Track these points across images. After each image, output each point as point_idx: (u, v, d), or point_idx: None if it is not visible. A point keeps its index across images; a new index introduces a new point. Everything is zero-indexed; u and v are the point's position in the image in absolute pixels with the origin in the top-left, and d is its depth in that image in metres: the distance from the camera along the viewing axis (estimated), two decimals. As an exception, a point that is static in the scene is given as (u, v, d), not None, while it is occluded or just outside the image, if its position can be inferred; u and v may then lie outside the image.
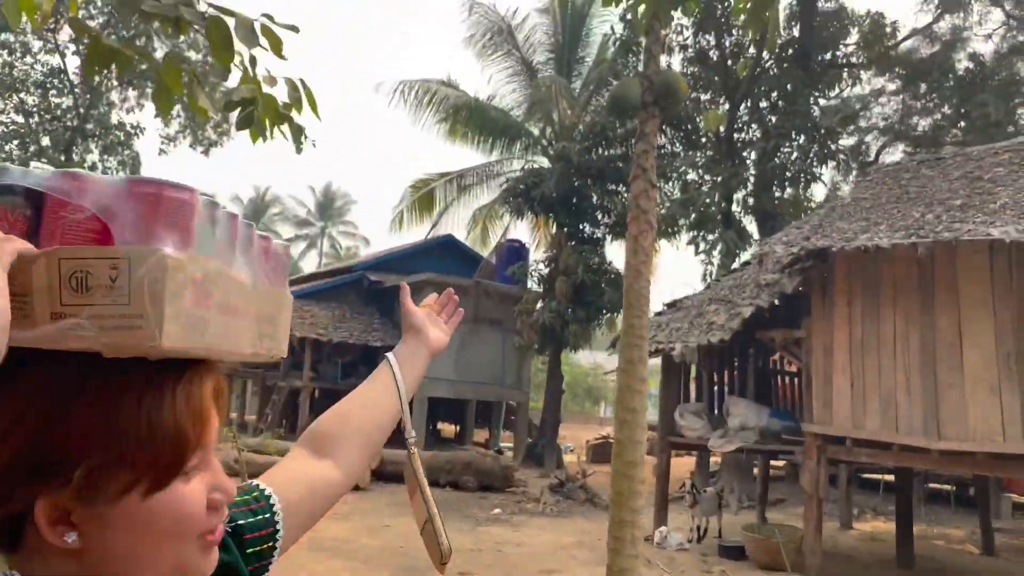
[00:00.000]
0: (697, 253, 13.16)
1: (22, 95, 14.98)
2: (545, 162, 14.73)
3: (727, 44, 12.51)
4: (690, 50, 12.93)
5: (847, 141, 14.14)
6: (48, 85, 14.75)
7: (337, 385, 14.44)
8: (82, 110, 14.92)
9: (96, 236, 0.42)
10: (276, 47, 1.81)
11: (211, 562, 0.48)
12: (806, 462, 6.24)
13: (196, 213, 0.45)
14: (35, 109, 14.71)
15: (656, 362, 7.51)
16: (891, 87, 14.80)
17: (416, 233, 17.14)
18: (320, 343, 14.02)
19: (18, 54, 14.94)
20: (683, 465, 13.82)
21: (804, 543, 6.25)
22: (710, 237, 12.65)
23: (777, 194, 11.77)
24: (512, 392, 14.95)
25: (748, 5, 3.55)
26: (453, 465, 10.57)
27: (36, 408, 0.40)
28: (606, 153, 12.43)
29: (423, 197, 15.18)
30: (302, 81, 1.84)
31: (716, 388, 8.40)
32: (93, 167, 14.85)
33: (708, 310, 7.49)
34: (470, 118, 14.58)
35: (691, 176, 13.43)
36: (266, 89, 1.85)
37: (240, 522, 0.57)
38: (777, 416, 7.43)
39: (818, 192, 13.82)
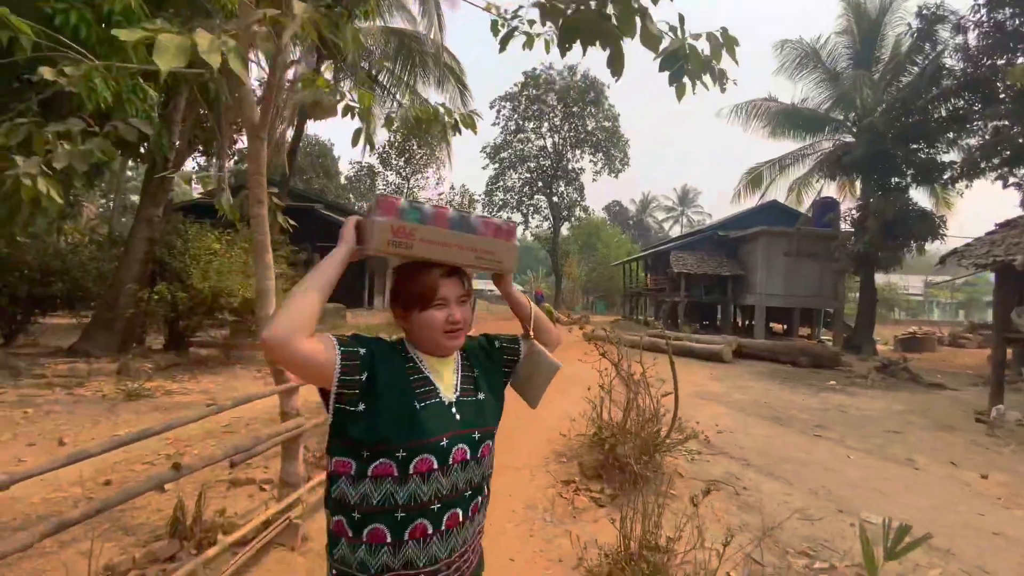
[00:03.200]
0: (1006, 187, 15.39)
1: (528, 163, 30.59)
2: (849, 139, 19.01)
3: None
4: (985, 25, 15.45)
5: None
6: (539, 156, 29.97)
7: (701, 300, 21.20)
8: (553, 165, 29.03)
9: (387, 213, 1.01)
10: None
11: (452, 344, 1.07)
12: None
13: (396, 206, 1.01)
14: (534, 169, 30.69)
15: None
16: None
17: (749, 203, 23.38)
18: (689, 275, 20.82)
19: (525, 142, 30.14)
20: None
21: None
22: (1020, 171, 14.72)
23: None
24: (829, 301, 18.72)
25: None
26: (791, 349, 12.96)
27: (404, 277, 1.07)
28: (909, 121, 15.06)
29: (754, 178, 20.34)
30: (724, 30, 1.89)
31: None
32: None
33: None
34: (786, 120, 19.16)
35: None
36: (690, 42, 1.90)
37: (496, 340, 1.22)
38: None
39: None
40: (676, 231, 56.15)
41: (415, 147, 28.87)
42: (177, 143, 11.76)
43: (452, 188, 39.29)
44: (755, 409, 7.53)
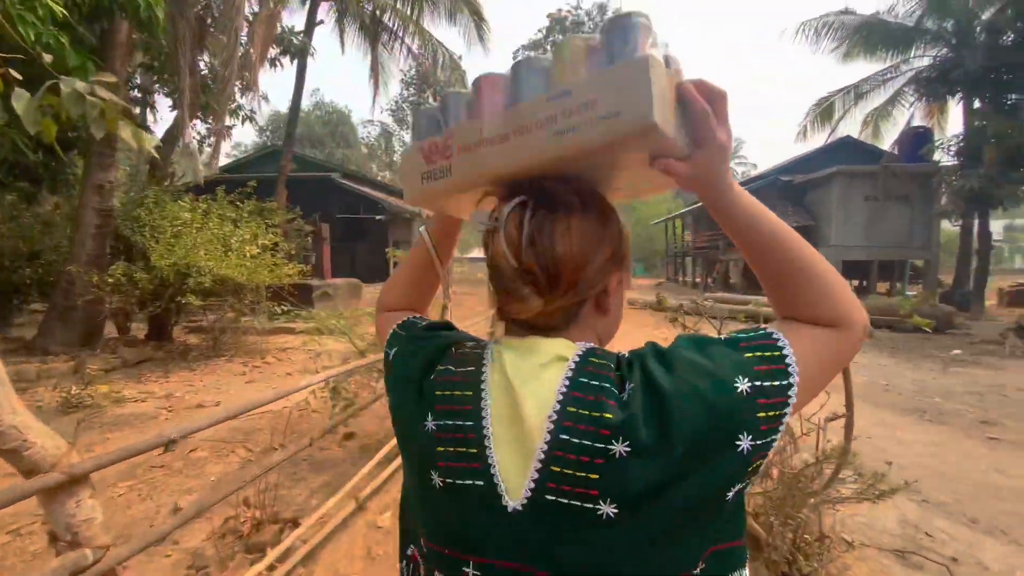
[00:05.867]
0: None
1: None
2: (946, 53, 15.84)
3: None
4: None
5: None
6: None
7: None
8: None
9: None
10: None
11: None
12: None
13: (428, 115, 0.65)
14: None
15: None
16: None
17: (816, 141, 18.98)
18: None
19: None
20: None
21: None
22: None
23: None
24: (918, 252, 16.22)
25: None
26: (881, 309, 10.75)
27: (618, 224, 0.62)
28: None
29: (824, 110, 17.37)
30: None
31: None
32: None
33: None
34: (867, 36, 15.83)
35: None
36: None
37: None
38: None
39: None
40: (720, 182, 53.53)
41: (431, 100, 26.28)
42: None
43: None
44: (880, 396, 5.81)
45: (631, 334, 4.56)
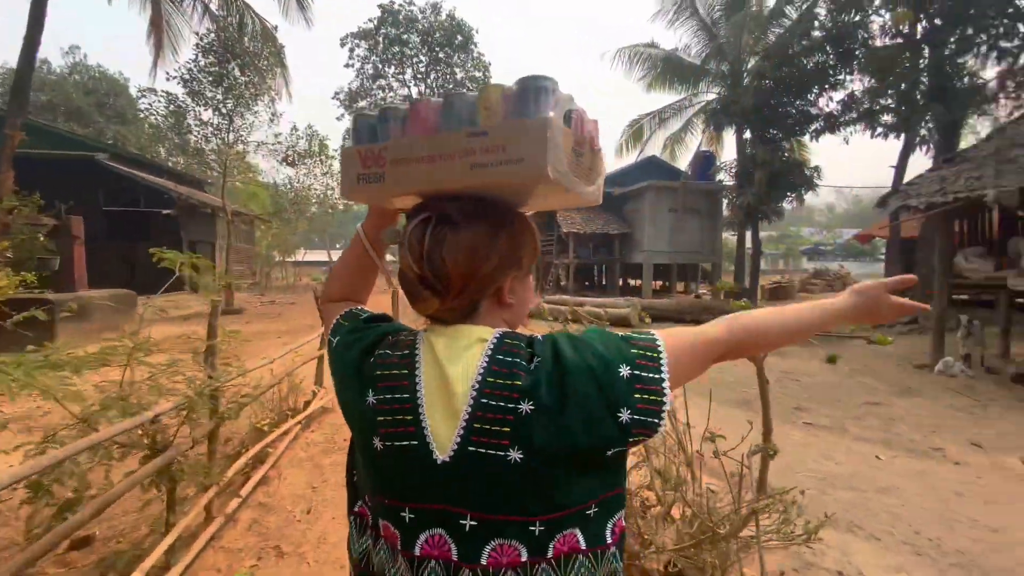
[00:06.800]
0: (874, 137, 15.83)
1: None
2: (724, 92, 19.22)
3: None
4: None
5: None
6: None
7: (589, 260, 20.15)
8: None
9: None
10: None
11: None
12: None
13: (367, 123, 0.73)
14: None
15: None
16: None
17: (629, 159, 21.35)
18: (578, 234, 19.17)
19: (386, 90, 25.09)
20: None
21: None
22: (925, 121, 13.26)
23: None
24: (709, 256, 19.19)
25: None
26: (694, 307, 12.63)
27: (515, 232, 0.71)
28: (784, 71, 14.47)
29: (636, 131, 19.61)
30: None
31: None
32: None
33: (1017, 155, 6.81)
34: (666, 69, 18.21)
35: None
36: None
37: None
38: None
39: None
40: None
41: (236, 73, 21.82)
42: None
43: (294, 129, 29.75)
44: (704, 388, 6.25)
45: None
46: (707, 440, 2.26)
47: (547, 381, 0.61)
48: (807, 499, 3.23)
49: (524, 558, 0.61)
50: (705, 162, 18.62)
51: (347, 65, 30.54)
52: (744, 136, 16.89)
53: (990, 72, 13.06)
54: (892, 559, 2.67)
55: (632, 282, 22.34)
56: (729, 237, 21.10)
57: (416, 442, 0.63)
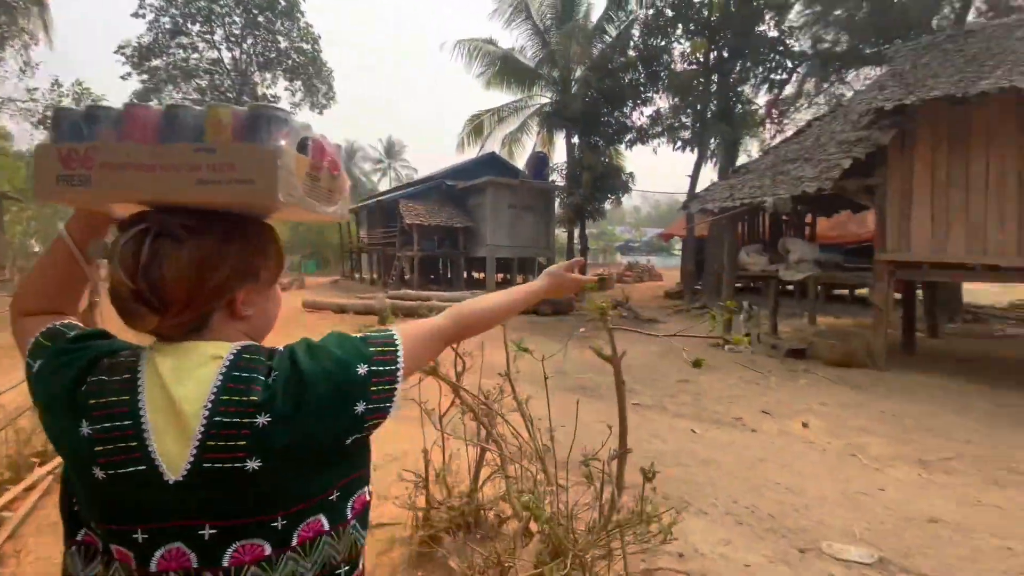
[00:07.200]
0: (675, 149, 18.58)
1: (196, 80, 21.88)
2: (555, 97, 20.46)
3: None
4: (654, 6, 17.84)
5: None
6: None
7: (434, 253, 19.73)
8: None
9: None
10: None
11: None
12: (877, 284, 6.91)
13: (69, 119, 0.66)
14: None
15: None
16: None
17: (471, 153, 21.57)
18: (422, 226, 18.55)
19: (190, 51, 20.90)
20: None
21: (874, 344, 6.90)
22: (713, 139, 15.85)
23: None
24: (544, 251, 20.21)
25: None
26: None
27: (249, 242, 0.70)
28: (606, 83, 16.09)
29: (476, 126, 19.79)
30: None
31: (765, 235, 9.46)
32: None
33: (787, 169, 7.78)
34: (503, 68, 18.73)
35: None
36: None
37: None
38: (826, 251, 8.27)
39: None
40: (385, 184, 52.11)
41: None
42: None
43: (57, 84, 20.92)
44: (540, 377, 6.43)
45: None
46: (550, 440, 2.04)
47: (283, 391, 0.63)
48: (648, 488, 3.33)
49: (268, 552, 0.63)
50: (540, 162, 19.62)
51: (136, 15, 24.97)
52: (573, 140, 18.20)
53: (762, 99, 16.14)
54: (720, 532, 2.83)
55: (476, 275, 22.59)
56: (560, 233, 22.69)
57: (143, 467, 0.61)
